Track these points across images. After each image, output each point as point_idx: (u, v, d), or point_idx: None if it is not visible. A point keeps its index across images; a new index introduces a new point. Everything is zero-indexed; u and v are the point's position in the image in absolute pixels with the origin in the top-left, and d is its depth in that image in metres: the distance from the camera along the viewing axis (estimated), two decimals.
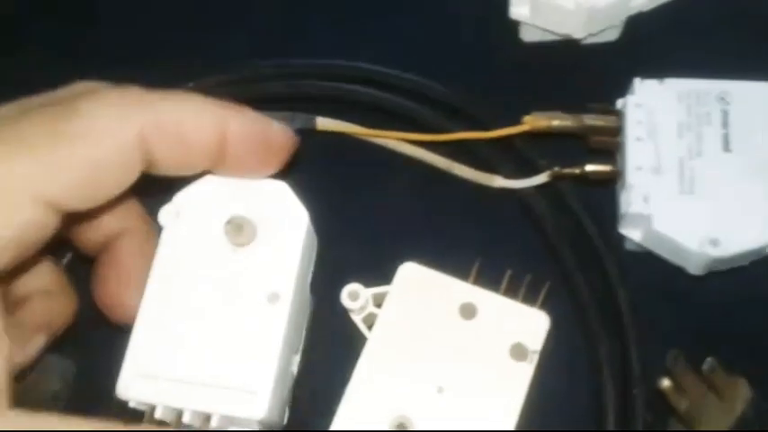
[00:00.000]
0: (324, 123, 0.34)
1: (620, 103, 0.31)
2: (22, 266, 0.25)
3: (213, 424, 0.25)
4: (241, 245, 0.26)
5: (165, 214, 0.27)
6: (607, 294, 0.30)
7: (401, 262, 0.29)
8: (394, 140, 0.34)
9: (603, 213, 0.31)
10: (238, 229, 0.26)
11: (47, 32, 0.38)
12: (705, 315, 0.30)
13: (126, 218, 0.27)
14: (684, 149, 0.29)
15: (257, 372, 0.25)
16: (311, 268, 0.29)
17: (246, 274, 0.26)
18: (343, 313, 0.29)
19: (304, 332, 0.29)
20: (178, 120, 0.24)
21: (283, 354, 0.26)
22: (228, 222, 0.26)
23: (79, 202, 0.23)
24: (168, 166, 0.25)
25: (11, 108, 0.23)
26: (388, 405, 0.27)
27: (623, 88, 0.32)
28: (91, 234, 0.27)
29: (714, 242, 0.28)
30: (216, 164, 0.26)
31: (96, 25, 0.38)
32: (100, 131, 0.22)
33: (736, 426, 0.27)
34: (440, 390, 0.27)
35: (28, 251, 0.23)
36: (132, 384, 0.25)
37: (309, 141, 0.33)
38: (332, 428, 0.27)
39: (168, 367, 0.25)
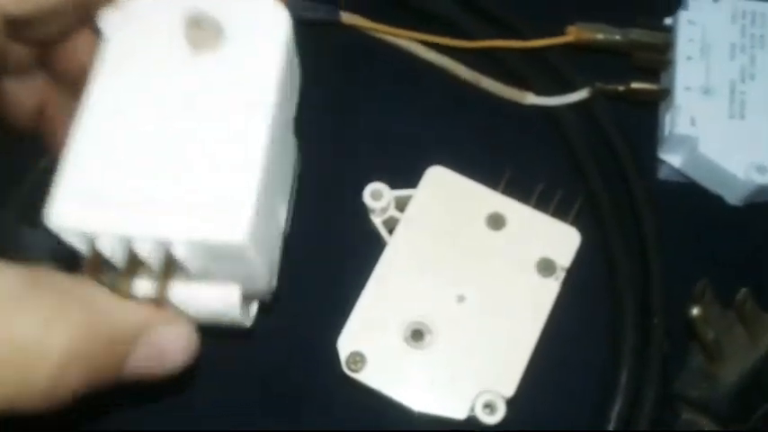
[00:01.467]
0: (349, 17, 0.32)
1: (669, 20, 0.29)
2: None
3: (179, 255, 0.19)
4: (204, 48, 0.21)
5: (108, 16, 0.21)
6: (634, 219, 0.28)
7: (423, 170, 0.27)
8: (420, 46, 0.32)
9: (636, 139, 0.30)
10: (199, 28, 0.21)
11: None
12: (735, 249, 0.29)
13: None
14: (736, 72, 0.28)
15: (233, 185, 0.19)
16: (294, 102, 0.23)
17: (213, 83, 0.21)
18: (364, 217, 0.27)
19: (293, 182, 0.24)
20: None
21: (267, 177, 0.20)
22: (187, 20, 0.21)
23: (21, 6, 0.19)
24: None
25: None
26: (404, 309, 0.25)
27: (668, 8, 0.30)
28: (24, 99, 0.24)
29: (761, 169, 0.26)
30: None
31: None
32: None
33: (759, 362, 0.26)
34: (460, 298, 0.26)
35: None
36: (69, 210, 0.19)
37: (333, 37, 0.32)
38: (344, 331, 0.25)
39: (116, 189, 0.19)
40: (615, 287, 0.27)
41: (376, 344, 0.25)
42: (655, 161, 0.30)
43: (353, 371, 0.25)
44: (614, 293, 0.27)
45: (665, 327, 0.27)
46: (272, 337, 0.28)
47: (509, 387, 0.25)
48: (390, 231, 0.27)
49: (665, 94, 0.29)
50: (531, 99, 0.31)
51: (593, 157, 0.29)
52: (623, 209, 0.29)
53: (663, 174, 0.30)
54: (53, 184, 0.19)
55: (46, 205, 0.19)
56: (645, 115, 0.30)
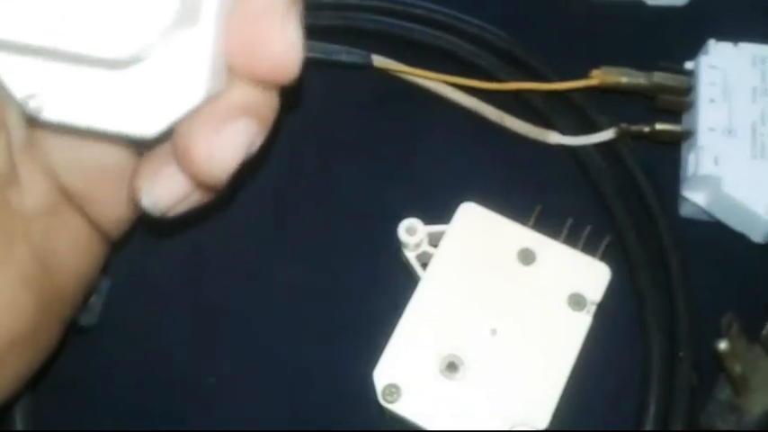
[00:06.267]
0: (380, 61, 0.33)
1: (690, 64, 0.31)
2: None
3: None
4: None
5: None
6: (660, 255, 0.29)
7: (455, 206, 0.28)
8: (448, 87, 0.33)
9: (659, 177, 0.31)
10: None
11: None
12: (760, 284, 0.29)
13: None
14: (758, 114, 0.29)
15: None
16: None
17: None
18: (397, 252, 0.28)
19: None
20: None
21: None
22: None
23: None
24: None
25: None
26: (438, 343, 0.26)
27: (688, 53, 0.31)
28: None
29: None
30: None
31: None
32: None
33: None
34: (493, 332, 0.26)
35: None
36: None
37: (364, 80, 0.33)
38: (380, 363, 0.26)
39: None
40: (643, 321, 0.28)
41: (411, 376, 0.26)
42: (677, 199, 0.30)
43: (389, 402, 0.26)
44: (643, 327, 0.28)
45: (692, 360, 0.28)
46: (307, 369, 0.29)
47: (542, 420, 0.25)
48: (423, 266, 0.28)
49: (687, 135, 0.30)
50: (557, 138, 0.32)
51: (619, 194, 0.30)
52: (649, 244, 0.29)
53: (685, 211, 0.30)
54: None
55: None
56: (667, 154, 0.31)
